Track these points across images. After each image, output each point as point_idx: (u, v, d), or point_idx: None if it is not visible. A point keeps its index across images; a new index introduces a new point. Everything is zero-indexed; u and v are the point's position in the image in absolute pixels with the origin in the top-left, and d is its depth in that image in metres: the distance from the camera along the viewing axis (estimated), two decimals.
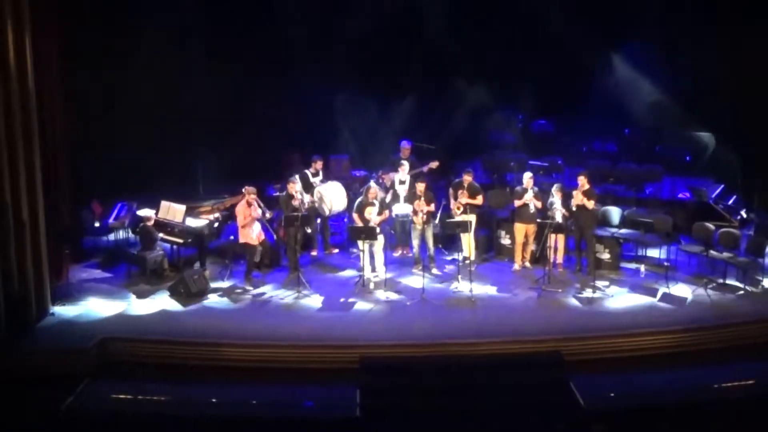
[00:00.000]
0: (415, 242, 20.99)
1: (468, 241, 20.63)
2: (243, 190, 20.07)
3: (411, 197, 20.99)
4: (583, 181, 20.30)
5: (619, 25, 25.12)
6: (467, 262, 20.47)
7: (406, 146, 22.66)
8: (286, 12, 24.74)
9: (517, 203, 20.75)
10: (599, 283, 19.93)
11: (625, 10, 24.79)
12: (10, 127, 17.92)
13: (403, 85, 25.17)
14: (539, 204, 20.49)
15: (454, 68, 25.26)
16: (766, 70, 23.10)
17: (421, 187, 20.50)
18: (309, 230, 21.23)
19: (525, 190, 20.65)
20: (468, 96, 25.46)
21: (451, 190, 21.12)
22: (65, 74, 20.38)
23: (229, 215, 21.90)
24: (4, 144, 17.85)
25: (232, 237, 21.48)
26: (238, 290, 20.14)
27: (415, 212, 20.54)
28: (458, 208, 20.67)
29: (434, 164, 22.56)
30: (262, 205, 20.17)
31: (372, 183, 20.85)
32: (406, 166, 21.63)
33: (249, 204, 19.95)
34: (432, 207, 20.52)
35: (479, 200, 20.95)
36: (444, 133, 24.59)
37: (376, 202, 20.19)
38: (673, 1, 24.60)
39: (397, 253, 21.85)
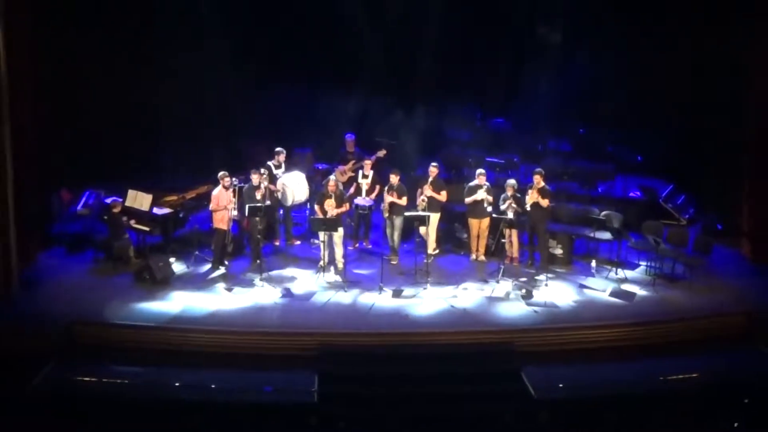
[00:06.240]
0: (388, 231, 21.06)
1: (429, 235, 20.54)
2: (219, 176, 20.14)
3: (372, 191, 21.18)
4: (538, 179, 20.30)
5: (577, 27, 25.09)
6: (429, 253, 20.43)
7: (350, 139, 22.98)
8: (257, 11, 24.63)
9: (468, 200, 20.72)
10: (550, 277, 19.91)
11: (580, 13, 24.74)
12: None
13: (365, 82, 25.02)
14: (491, 199, 20.47)
15: (415, 67, 25.18)
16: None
17: (395, 179, 20.60)
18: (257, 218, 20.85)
19: (478, 186, 20.60)
20: (428, 93, 25.33)
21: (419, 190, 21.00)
22: (36, 64, 20.31)
23: (195, 205, 21.86)
24: None
25: (197, 226, 21.42)
26: (202, 277, 20.06)
27: (392, 205, 20.62)
28: (423, 201, 20.53)
29: (381, 153, 22.72)
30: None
31: (331, 176, 20.77)
32: (368, 163, 21.60)
33: (226, 188, 19.93)
34: (403, 201, 20.55)
35: (443, 196, 20.76)
36: (404, 128, 24.50)
37: (334, 194, 20.10)
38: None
39: (353, 246, 21.70)
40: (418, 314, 18.49)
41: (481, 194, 20.48)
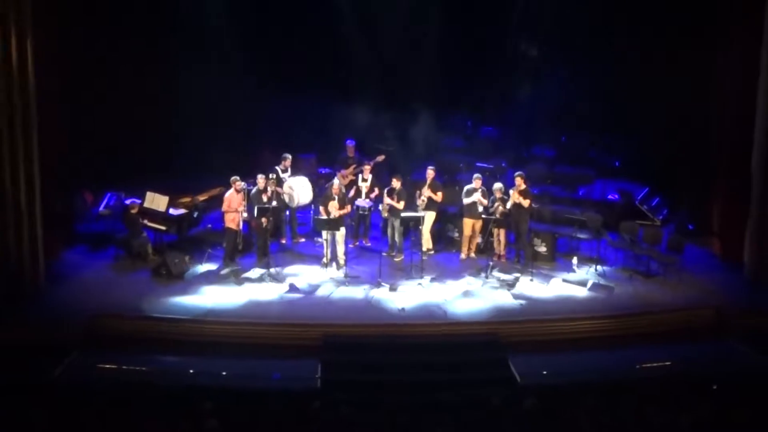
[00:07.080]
0: (389, 231, 21.56)
1: (424, 233, 21.07)
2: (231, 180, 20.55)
3: (371, 193, 21.78)
4: (519, 182, 20.77)
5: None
6: (423, 251, 20.87)
7: (350, 145, 23.41)
8: (263, 25, 25.11)
9: (466, 201, 21.14)
10: (534, 273, 20.34)
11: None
12: (12, 123, 18.21)
13: (365, 93, 25.28)
14: (485, 202, 20.94)
15: (411, 78, 25.39)
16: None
17: (397, 184, 21.10)
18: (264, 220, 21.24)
19: (475, 190, 21.07)
20: (422, 103, 25.63)
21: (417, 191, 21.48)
22: (62, 72, 20.66)
23: (208, 206, 22.27)
24: (5, 137, 18.15)
25: (210, 225, 21.92)
26: (215, 273, 20.46)
27: (392, 208, 21.15)
28: (423, 201, 21.06)
29: (380, 158, 23.28)
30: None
31: (335, 180, 21.31)
32: (367, 167, 22.19)
33: (237, 191, 20.39)
34: (401, 205, 21.03)
35: (439, 196, 21.19)
36: (400, 136, 24.94)
37: (337, 197, 20.61)
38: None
39: (354, 244, 22.05)
40: (413, 307, 18.91)
41: (476, 196, 21.00)
